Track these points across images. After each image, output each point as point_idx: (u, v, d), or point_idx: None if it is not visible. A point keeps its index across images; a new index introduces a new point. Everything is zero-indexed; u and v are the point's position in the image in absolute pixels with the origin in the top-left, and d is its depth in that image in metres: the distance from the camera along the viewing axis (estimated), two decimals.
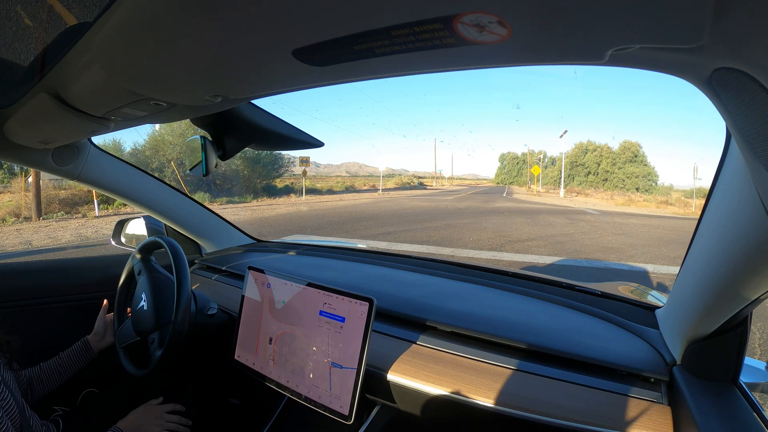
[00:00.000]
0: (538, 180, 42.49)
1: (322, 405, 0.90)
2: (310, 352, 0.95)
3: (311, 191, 26.24)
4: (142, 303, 1.14)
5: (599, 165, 40.08)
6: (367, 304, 0.88)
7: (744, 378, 0.73)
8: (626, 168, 38.62)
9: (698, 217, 0.66)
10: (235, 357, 1.10)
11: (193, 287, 1.11)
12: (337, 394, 0.89)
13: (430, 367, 0.90)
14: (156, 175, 1.56)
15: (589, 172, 40.73)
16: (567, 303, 1.09)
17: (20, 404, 0.83)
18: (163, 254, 1.15)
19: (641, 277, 5.38)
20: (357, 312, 0.89)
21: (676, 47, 0.32)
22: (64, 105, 0.74)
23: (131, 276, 1.29)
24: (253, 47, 0.44)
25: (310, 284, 0.98)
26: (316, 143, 0.97)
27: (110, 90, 0.65)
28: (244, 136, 0.91)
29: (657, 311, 0.99)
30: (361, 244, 2.22)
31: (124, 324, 1.22)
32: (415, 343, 0.97)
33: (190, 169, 0.97)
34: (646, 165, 38.78)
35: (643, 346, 0.89)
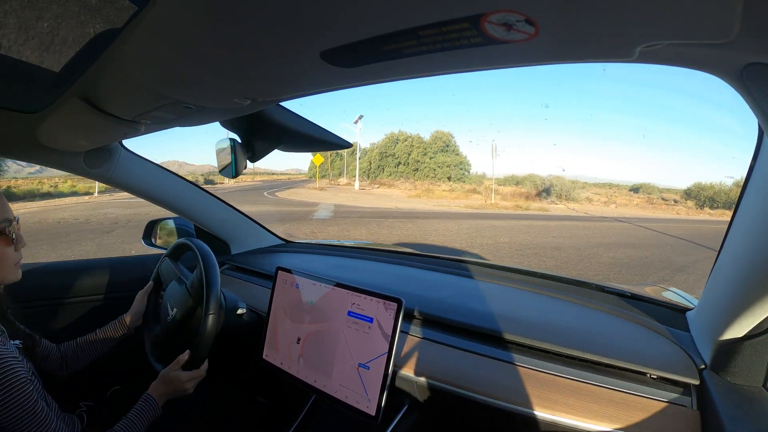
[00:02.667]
0: (326, 173, 40.16)
1: (350, 405, 0.90)
2: (337, 352, 0.94)
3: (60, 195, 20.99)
4: (171, 314, 1.16)
5: (410, 155, 39.08)
6: (396, 304, 0.87)
7: None
8: (437, 157, 38.02)
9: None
10: (264, 356, 1.10)
11: (223, 287, 1.12)
12: (365, 395, 0.88)
13: (457, 368, 0.89)
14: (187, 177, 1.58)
15: (399, 163, 39.51)
16: (596, 304, 1.07)
17: (43, 395, 0.88)
18: (193, 256, 1.17)
19: None
20: (385, 312, 0.88)
21: (706, 43, 0.32)
22: (95, 109, 0.75)
23: (158, 282, 1.31)
24: (282, 50, 0.44)
25: (338, 285, 0.98)
26: (344, 144, 0.96)
27: (141, 94, 0.66)
28: (272, 138, 0.92)
29: (688, 313, 0.96)
30: (391, 246, 2.20)
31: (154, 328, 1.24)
32: (443, 344, 0.96)
33: (220, 171, 0.98)
34: (458, 154, 38.34)
35: (673, 349, 0.86)
